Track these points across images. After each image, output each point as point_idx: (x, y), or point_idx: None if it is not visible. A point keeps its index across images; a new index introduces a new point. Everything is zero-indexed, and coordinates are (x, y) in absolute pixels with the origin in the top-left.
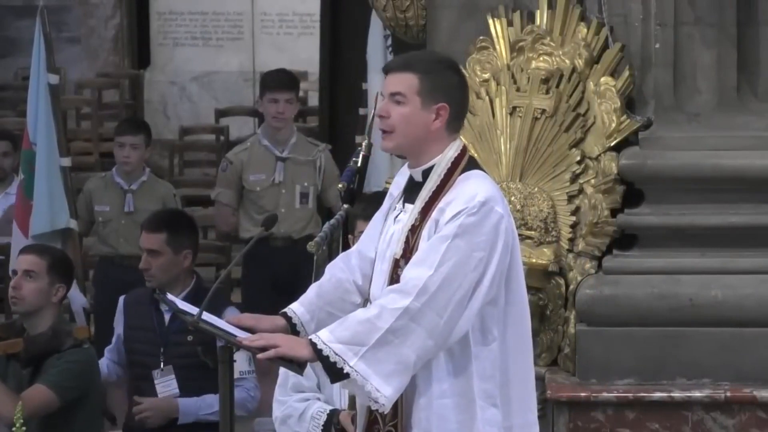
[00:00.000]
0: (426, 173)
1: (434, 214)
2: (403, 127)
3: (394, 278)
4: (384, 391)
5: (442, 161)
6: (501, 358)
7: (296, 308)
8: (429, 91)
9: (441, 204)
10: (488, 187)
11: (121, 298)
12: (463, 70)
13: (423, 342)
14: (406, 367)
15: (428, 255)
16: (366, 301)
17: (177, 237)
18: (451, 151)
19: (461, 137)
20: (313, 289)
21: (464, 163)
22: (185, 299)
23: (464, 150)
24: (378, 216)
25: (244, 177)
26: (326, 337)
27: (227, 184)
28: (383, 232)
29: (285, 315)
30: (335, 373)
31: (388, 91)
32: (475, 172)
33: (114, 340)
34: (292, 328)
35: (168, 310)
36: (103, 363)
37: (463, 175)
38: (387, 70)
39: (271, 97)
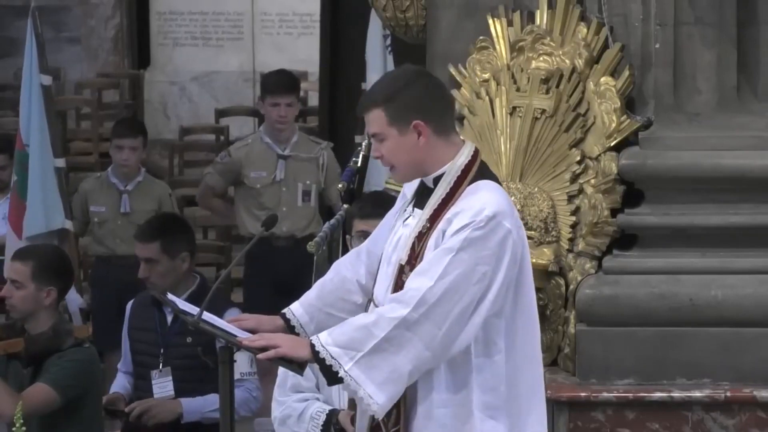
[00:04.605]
0: (437, 180)
1: (441, 224)
2: (397, 159)
3: (398, 283)
4: (377, 398)
5: (452, 169)
6: (509, 371)
7: (295, 309)
8: (397, 116)
9: (448, 214)
10: (498, 199)
11: (129, 303)
12: (428, 71)
13: (419, 352)
14: (400, 376)
15: (431, 266)
16: (369, 301)
17: (171, 243)
18: (462, 158)
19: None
20: (314, 289)
21: (474, 170)
22: (188, 300)
23: (475, 156)
24: (389, 216)
25: (245, 173)
26: (325, 340)
27: (220, 171)
28: (391, 234)
29: (284, 316)
30: (331, 376)
31: (369, 133)
32: (485, 182)
33: (123, 349)
34: (291, 330)
35: (170, 312)
36: (122, 381)
37: (472, 185)
38: (358, 113)
39: (272, 101)
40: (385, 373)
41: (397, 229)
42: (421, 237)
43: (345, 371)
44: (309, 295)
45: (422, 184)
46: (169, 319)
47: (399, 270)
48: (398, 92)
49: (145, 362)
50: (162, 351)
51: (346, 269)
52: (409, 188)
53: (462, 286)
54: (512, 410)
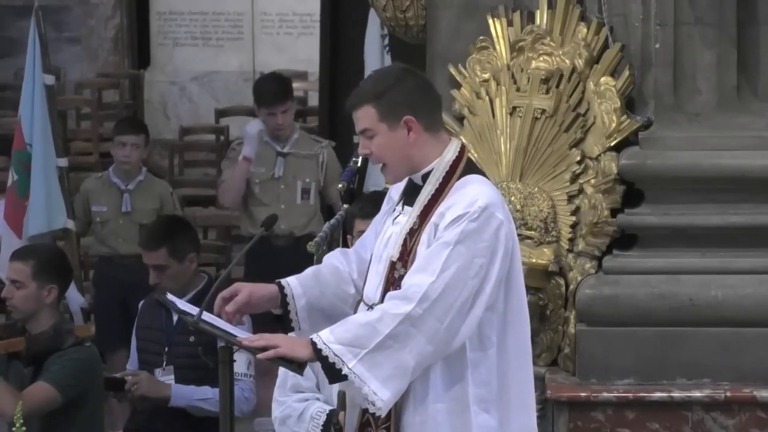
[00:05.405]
0: (426, 177)
1: (433, 218)
2: (387, 156)
3: (389, 280)
4: (381, 394)
5: (440, 165)
6: (500, 364)
7: (291, 280)
8: (388, 112)
9: (440, 208)
10: (488, 192)
11: (141, 303)
12: (415, 69)
13: (422, 348)
14: (404, 372)
15: (430, 261)
16: (359, 301)
17: (178, 246)
18: (450, 154)
19: (461, 138)
20: (310, 270)
21: (462, 165)
22: (193, 300)
23: (462, 151)
24: (377, 219)
25: None
26: (326, 338)
27: (230, 165)
28: (381, 233)
29: (279, 284)
30: (334, 373)
31: (358, 130)
32: (474, 176)
33: (131, 348)
34: (283, 299)
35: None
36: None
37: (461, 180)
38: (348, 110)
39: (267, 111)
40: (389, 369)
41: (387, 227)
42: (413, 233)
43: (349, 368)
44: (305, 273)
45: (410, 182)
46: (175, 318)
47: (390, 266)
48: (389, 89)
49: (149, 360)
50: (166, 350)
51: (339, 262)
52: (395, 191)
53: (462, 280)
54: (502, 403)
